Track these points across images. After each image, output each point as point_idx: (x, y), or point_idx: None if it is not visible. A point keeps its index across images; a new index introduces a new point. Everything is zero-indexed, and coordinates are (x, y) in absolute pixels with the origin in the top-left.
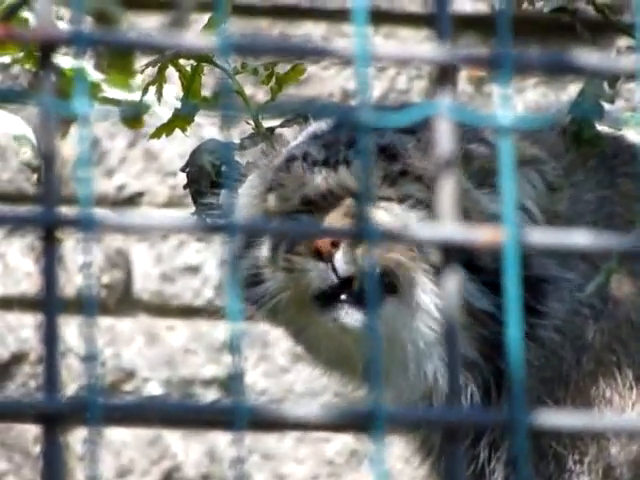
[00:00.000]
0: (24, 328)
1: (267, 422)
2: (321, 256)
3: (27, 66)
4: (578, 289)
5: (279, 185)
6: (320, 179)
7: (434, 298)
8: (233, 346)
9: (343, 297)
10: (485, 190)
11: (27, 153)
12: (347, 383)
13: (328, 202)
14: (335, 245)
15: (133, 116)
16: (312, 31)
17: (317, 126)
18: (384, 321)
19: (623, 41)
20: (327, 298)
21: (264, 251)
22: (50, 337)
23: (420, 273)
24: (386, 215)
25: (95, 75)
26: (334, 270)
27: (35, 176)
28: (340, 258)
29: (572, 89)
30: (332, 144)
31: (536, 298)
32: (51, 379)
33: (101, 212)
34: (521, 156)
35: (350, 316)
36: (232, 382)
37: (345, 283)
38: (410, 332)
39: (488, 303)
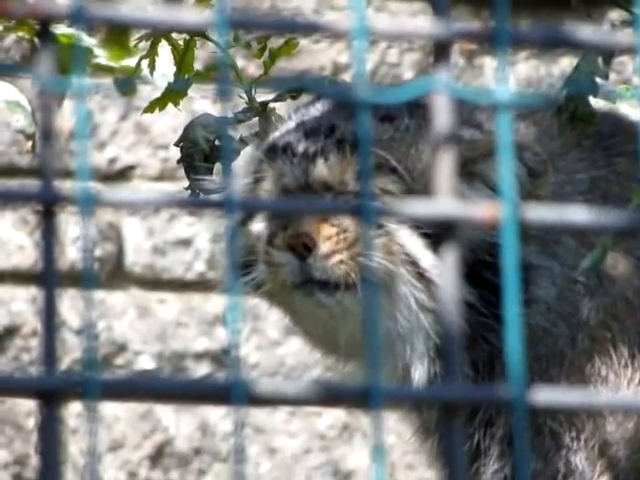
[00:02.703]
0: (16, 301)
1: (263, 399)
2: (295, 252)
3: (21, 34)
4: (569, 267)
5: (261, 177)
6: (298, 172)
7: (413, 290)
8: (229, 320)
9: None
10: (461, 179)
11: (20, 121)
12: (332, 359)
13: (307, 195)
14: (307, 248)
15: (127, 85)
16: (302, 4)
17: (303, 111)
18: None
19: (616, 14)
20: (302, 283)
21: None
22: (48, 314)
23: (400, 267)
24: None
25: (88, 40)
26: (306, 269)
27: (29, 143)
28: (312, 263)
29: (564, 62)
30: (313, 133)
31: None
32: (49, 355)
33: (97, 188)
34: None
35: (324, 294)
36: (228, 357)
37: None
38: (389, 321)
39: (468, 293)
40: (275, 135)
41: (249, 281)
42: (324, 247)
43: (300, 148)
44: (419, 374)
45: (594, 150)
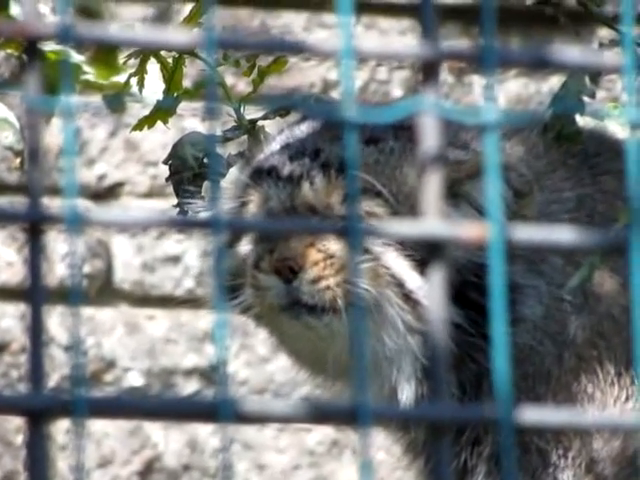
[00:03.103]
0: (5, 318)
1: (250, 417)
2: (281, 275)
3: (9, 51)
4: (556, 286)
5: (246, 200)
6: (283, 195)
7: (400, 311)
8: (217, 337)
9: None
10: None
11: (9, 137)
12: (319, 380)
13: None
14: (293, 271)
15: (116, 103)
16: (293, 21)
17: (288, 132)
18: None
19: (605, 32)
20: (289, 306)
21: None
22: (35, 332)
23: (387, 289)
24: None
25: (77, 57)
26: (292, 292)
27: (17, 160)
28: (299, 287)
29: (553, 80)
30: (298, 156)
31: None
32: (36, 373)
33: (85, 206)
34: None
35: (311, 316)
36: (216, 374)
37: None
38: (376, 342)
39: (455, 314)
40: (260, 158)
41: (237, 304)
42: (311, 272)
43: (285, 171)
44: (406, 395)
45: (580, 169)
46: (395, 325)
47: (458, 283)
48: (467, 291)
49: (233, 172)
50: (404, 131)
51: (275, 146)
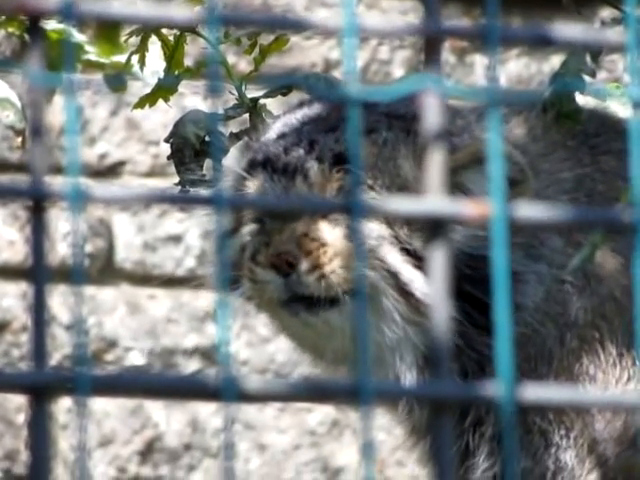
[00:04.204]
0: (6, 297)
1: (252, 396)
2: (278, 269)
3: (11, 29)
4: (557, 267)
5: (242, 193)
6: (278, 188)
7: (396, 304)
8: (219, 317)
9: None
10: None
11: (10, 116)
12: (320, 368)
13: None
14: (290, 265)
15: (117, 82)
16: (293, 1)
17: (284, 119)
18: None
19: (607, 12)
20: (287, 301)
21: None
22: (38, 310)
23: (382, 282)
24: (332, 226)
25: (78, 36)
26: (290, 286)
27: (19, 139)
28: (296, 279)
29: (555, 60)
30: (293, 148)
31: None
32: (39, 351)
33: (88, 184)
34: (478, 153)
35: (309, 312)
36: (218, 353)
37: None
38: (376, 333)
39: (452, 306)
40: (255, 147)
41: (237, 296)
42: (305, 263)
43: (280, 164)
44: (409, 383)
45: (579, 149)
46: (393, 317)
47: (452, 276)
48: (462, 284)
49: (234, 151)
50: (398, 120)
51: (271, 135)
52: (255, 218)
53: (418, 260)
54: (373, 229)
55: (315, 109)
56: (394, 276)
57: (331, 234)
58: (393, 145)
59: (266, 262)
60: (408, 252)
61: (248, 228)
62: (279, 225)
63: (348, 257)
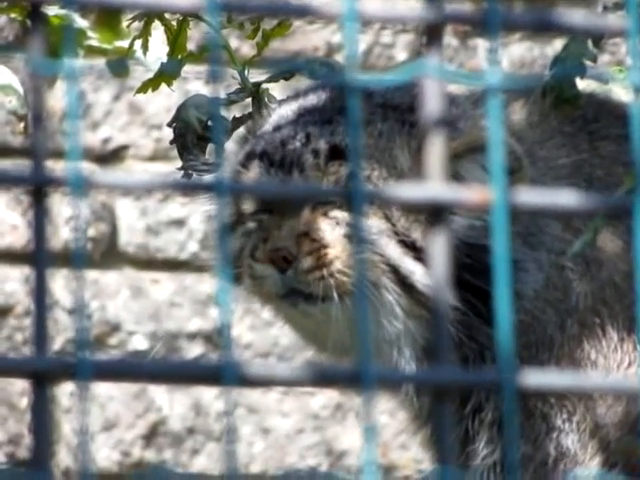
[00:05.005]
0: (9, 281)
1: (254, 381)
2: (275, 265)
3: (13, 15)
4: (556, 254)
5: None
6: (274, 182)
7: (396, 297)
8: (221, 301)
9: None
10: None
11: (12, 102)
12: (323, 357)
13: (282, 206)
14: (287, 261)
15: (119, 67)
16: None
17: (283, 110)
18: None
19: None
20: (286, 294)
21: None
22: (40, 295)
23: (382, 276)
24: (333, 226)
25: (80, 22)
26: (288, 281)
27: (21, 125)
28: (293, 276)
29: (557, 43)
30: (289, 140)
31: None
32: (41, 336)
33: (91, 168)
34: (473, 142)
35: (308, 304)
36: (220, 337)
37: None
38: (376, 327)
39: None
40: (251, 141)
41: (241, 291)
42: (305, 263)
43: (276, 157)
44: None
45: (577, 135)
46: (393, 310)
47: (452, 265)
48: (462, 273)
49: (237, 136)
50: (393, 112)
51: (267, 127)
52: (254, 214)
53: (418, 252)
54: (371, 224)
55: (310, 100)
56: (394, 269)
57: (332, 235)
58: (388, 136)
59: (264, 257)
60: (407, 245)
61: (247, 226)
62: (277, 221)
63: (348, 259)
